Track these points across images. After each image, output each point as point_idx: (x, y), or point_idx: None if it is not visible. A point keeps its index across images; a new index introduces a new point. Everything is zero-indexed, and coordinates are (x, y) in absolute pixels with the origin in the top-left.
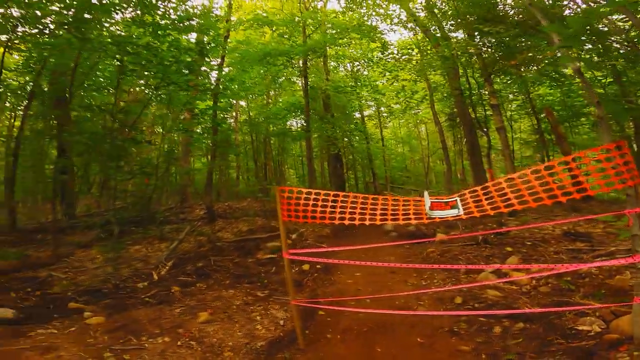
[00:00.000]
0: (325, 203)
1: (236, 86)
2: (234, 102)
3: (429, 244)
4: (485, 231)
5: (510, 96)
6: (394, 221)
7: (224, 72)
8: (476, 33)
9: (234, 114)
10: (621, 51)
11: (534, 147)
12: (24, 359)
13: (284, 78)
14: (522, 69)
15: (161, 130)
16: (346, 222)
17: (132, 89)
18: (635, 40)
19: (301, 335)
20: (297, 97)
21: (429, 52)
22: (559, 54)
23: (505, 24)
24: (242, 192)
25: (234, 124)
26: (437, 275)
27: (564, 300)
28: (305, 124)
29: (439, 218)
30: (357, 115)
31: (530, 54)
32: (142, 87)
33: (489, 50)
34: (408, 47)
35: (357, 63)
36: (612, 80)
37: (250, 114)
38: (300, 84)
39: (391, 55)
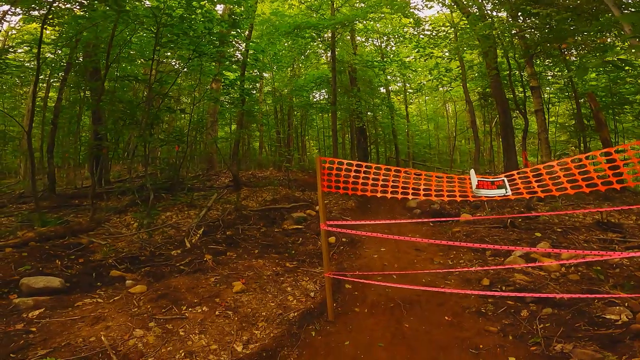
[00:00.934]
0: (367, 175)
1: (267, 58)
2: (259, 73)
3: (453, 224)
4: (514, 215)
5: (550, 79)
6: (438, 197)
7: (252, 44)
8: (519, 13)
9: (257, 85)
10: None
11: (570, 132)
12: (76, 330)
13: (310, 51)
14: (568, 53)
15: (191, 100)
16: (388, 195)
17: (164, 60)
18: None
19: (331, 308)
20: (323, 71)
21: (467, 30)
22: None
23: (555, 6)
24: (264, 162)
25: (259, 95)
26: (464, 255)
27: (594, 289)
28: (331, 97)
29: (485, 197)
30: (383, 90)
31: (578, 38)
32: (176, 59)
33: (533, 31)
34: (443, 24)
35: (386, 38)
36: None
37: (275, 85)
38: (325, 58)
39: (425, 32)
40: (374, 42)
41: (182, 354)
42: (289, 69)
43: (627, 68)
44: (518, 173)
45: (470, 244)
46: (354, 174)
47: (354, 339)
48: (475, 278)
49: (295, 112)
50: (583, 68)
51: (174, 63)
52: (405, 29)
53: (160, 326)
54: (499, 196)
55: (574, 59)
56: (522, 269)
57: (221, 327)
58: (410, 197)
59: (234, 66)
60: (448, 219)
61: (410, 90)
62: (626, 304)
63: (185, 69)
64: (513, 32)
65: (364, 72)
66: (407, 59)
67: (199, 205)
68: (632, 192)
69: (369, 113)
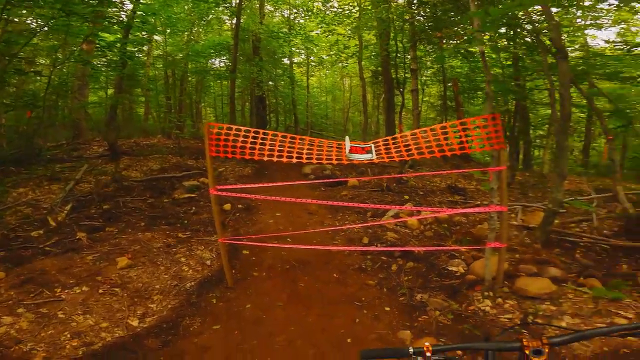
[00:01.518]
0: (254, 140)
1: (159, 20)
2: (148, 36)
3: (342, 188)
4: (388, 176)
5: (428, 64)
6: (318, 161)
7: (142, 5)
8: (415, 1)
9: (145, 47)
10: (526, 39)
11: (437, 111)
12: None
13: (213, 16)
14: (444, 42)
15: (51, 61)
16: (274, 159)
17: (16, 19)
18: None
19: (230, 274)
20: (225, 37)
21: (368, 11)
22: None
23: None
24: (151, 129)
25: (146, 59)
26: (349, 217)
27: (441, 244)
28: (231, 65)
29: (356, 160)
30: (286, 61)
31: (455, 29)
32: (34, 17)
33: (422, 19)
34: (349, 2)
35: (295, 10)
36: (510, 63)
37: (167, 49)
38: (230, 25)
39: (332, 9)
40: (283, 14)
41: (68, 335)
42: (185, 33)
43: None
44: (383, 141)
45: (352, 204)
46: (243, 139)
47: (254, 302)
48: (357, 237)
49: (190, 78)
50: (440, 56)
51: (30, 22)
52: (315, 3)
53: (32, 311)
54: (366, 160)
55: (448, 48)
56: (392, 228)
57: (109, 304)
58: (294, 160)
59: (115, 27)
60: (337, 180)
61: (313, 63)
62: (462, 257)
63: (46, 28)
64: (406, 17)
65: (268, 42)
66: (312, 33)
67: (64, 178)
68: (476, 162)
69: (270, 82)
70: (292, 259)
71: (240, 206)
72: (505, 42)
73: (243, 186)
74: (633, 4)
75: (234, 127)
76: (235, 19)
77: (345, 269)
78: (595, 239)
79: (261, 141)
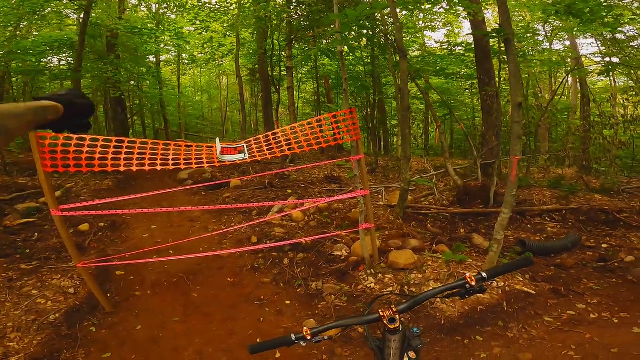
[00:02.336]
0: (106, 149)
1: None
2: None
3: (225, 190)
4: (270, 172)
5: (303, 62)
6: (187, 166)
7: None
8: (293, 0)
9: None
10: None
11: (312, 106)
12: None
13: (51, 10)
14: (317, 41)
15: None
16: (134, 168)
17: None
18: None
19: (104, 298)
20: (67, 33)
21: (246, 9)
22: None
23: None
24: None
25: None
26: (234, 218)
27: (325, 232)
28: (75, 63)
29: (229, 162)
30: (152, 59)
31: (324, 29)
32: None
33: (298, 18)
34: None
35: (165, 5)
36: (369, 61)
37: None
38: (78, 19)
39: (207, 5)
40: (152, 8)
41: None
42: (9, 28)
43: (349, 57)
44: (255, 139)
45: (235, 205)
46: (89, 148)
47: (144, 322)
48: (245, 237)
49: (16, 79)
50: (307, 55)
51: None
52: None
53: None
54: (239, 160)
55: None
56: (279, 224)
57: None
58: (158, 167)
59: None
60: (219, 182)
61: (186, 62)
62: (344, 241)
63: None
64: (284, 16)
65: (129, 39)
66: (185, 30)
67: None
68: (347, 152)
69: (131, 82)
70: (178, 271)
71: (102, 224)
72: (366, 42)
73: (99, 202)
74: (458, 7)
75: (75, 135)
76: (83, 13)
77: (239, 271)
78: (439, 209)
79: (115, 150)
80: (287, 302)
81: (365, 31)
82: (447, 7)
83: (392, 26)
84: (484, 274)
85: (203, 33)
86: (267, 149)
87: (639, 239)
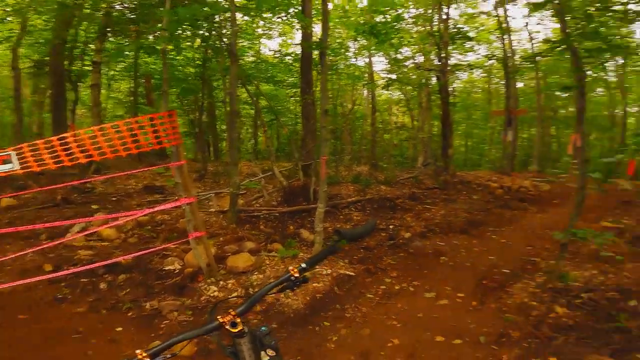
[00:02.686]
0: None
1: None
2: None
3: None
4: (62, 185)
5: (111, 59)
6: None
7: None
8: None
9: None
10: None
11: (127, 108)
12: None
13: None
14: (140, 36)
15: None
16: None
17: None
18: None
19: None
20: None
21: None
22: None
23: None
24: None
25: None
26: (11, 247)
27: (150, 246)
28: None
29: None
30: None
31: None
32: None
33: (122, 10)
34: None
35: None
36: (200, 62)
37: None
38: None
39: None
40: None
41: None
42: None
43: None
44: (29, 146)
45: (11, 229)
46: None
47: None
48: (33, 266)
49: None
50: (119, 50)
51: None
52: None
53: None
54: (3, 172)
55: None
56: (84, 245)
57: None
58: None
59: None
60: None
61: None
62: (174, 254)
63: None
64: (102, 6)
65: None
66: None
67: None
68: (171, 158)
69: None
70: None
71: None
72: (200, 43)
73: None
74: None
75: None
76: None
77: (35, 305)
78: (269, 210)
79: None
80: (119, 329)
81: (201, 32)
82: (285, 18)
83: (229, 29)
84: (304, 265)
85: None
86: (52, 158)
87: (411, 218)
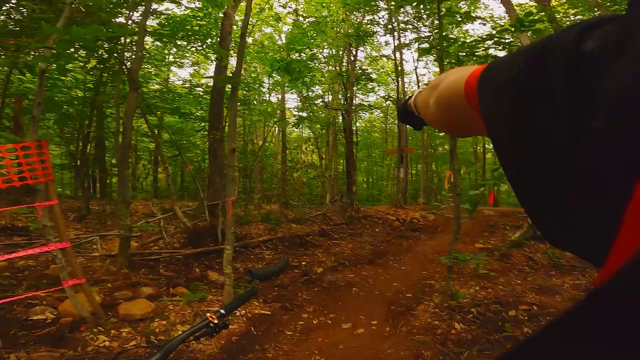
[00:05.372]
0: None
1: None
2: None
3: None
4: None
5: None
6: None
7: None
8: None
9: None
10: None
11: None
12: None
13: None
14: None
15: None
16: None
17: None
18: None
19: None
20: None
21: None
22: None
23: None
24: None
25: None
26: None
27: (9, 294)
28: None
29: None
30: None
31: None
32: None
33: (7, 19)
34: None
35: None
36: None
37: None
38: None
39: None
40: None
41: None
42: None
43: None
44: None
45: None
46: None
47: None
48: None
49: None
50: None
51: None
52: None
53: None
54: None
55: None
56: None
57: None
58: None
59: None
60: None
61: None
62: (44, 302)
63: None
64: None
65: None
66: None
67: None
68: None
69: None
70: None
71: None
72: (96, 64)
73: None
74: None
75: None
76: None
77: None
78: (170, 252)
79: None
80: None
81: (99, 53)
82: (201, 48)
83: (134, 54)
84: (222, 311)
85: None
86: None
87: (321, 253)
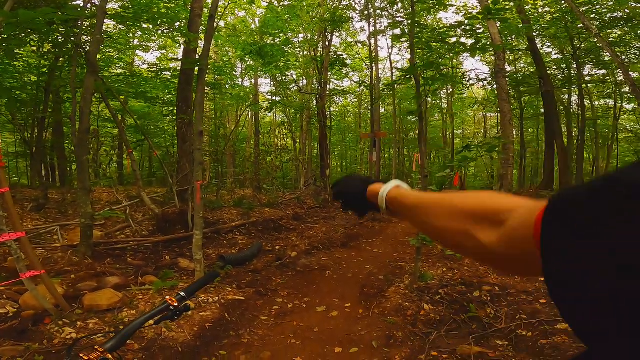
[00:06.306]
0: None
1: None
2: None
3: None
4: None
5: None
6: None
7: None
8: None
9: None
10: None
11: None
12: None
13: None
14: None
15: None
16: None
17: None
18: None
19: None
20: None
21: None
22: None
23: None
24: None
25: None
26: None
27: None
28: None
29: None
30: None
31: None
32: None
33: None
34: None
35: None
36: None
37: None
38: None
39: None
40: None
41: None
42: None
43: None
44: None
45: None
46: None
47: None
48: None
49: None
50: None
51: None
52: None
53: None
54: None
55: None
56: None
57: None
58: None
59: None
60: None
61: None
62: (4, 296)
63: None
64: None
65: None
66: None
67: None
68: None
69: None
70: None
71: None
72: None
73: None
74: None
75: None
76: None
77: None
78: (138, 241)
79: None
80: None
81: (54, 37)
82: (168, 31)
83: (93, 37)
84: (182, 293)
85: None
86: None
87: (295, 237)
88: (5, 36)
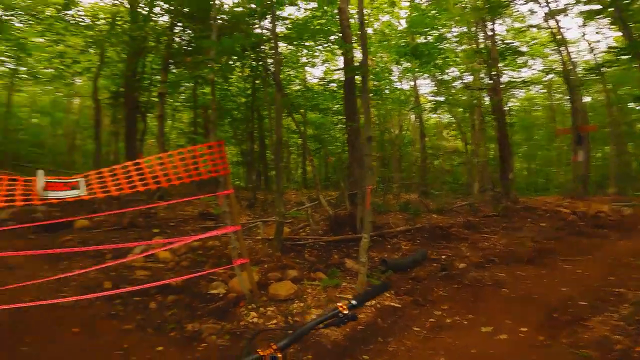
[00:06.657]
0: None
1: None
2: None
3: (66, 232)
4: (131, 209)
5: (171, 89)
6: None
7: None
8: (179, 23)
9: None
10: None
11: (188, 138)
12: None
13: None
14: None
15: None
16: None
17: None
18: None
19: None
20: None
21: (117, 26)
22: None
23: (205, 24)
24: None
25: None
26: (79, 263)
27: (198, 270)
28: None
29: (56, 199)
30: None
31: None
32: None
33: (180, 42)
34: (96, 14)
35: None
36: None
37: None
38: None
39: (73, 17)
40: None
41: None
42: None
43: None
44: (97, 173)
45: (78, 249)
46: None
47: None
48: (95, 284)
49: None
50: (176, 81)
51: None
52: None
53: None
54: (71, 197)
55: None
56: (142, 265)
57: None
58: None
59: None
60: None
61: (25, 76)
62: (220, 279)
63: None
64: (164, 39)
65: None
66: (30, 41)
67: None
68: None
69: None
70: None
71: None
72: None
73: None
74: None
75: None
76: None
77: (89, 321)
78: (315, 239)
79: None
80: (160, 349)
81: (248, 62)
82: (327, 45)
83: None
84: (354, 302)
85: (54, 46)
86: (114, 185)
87: (466, 248)
88: (219, 66)
